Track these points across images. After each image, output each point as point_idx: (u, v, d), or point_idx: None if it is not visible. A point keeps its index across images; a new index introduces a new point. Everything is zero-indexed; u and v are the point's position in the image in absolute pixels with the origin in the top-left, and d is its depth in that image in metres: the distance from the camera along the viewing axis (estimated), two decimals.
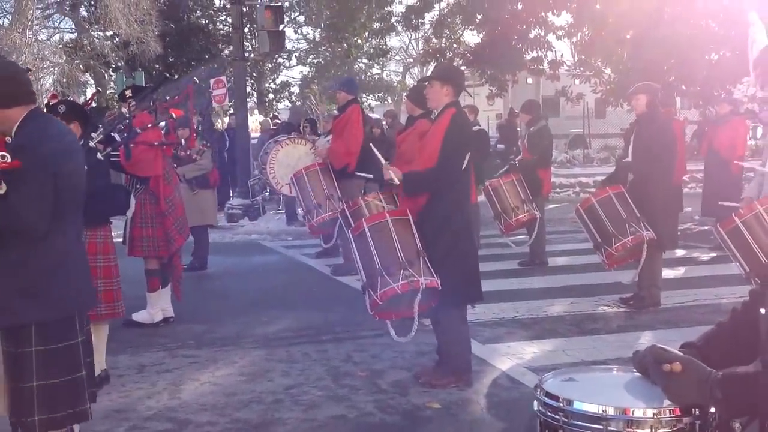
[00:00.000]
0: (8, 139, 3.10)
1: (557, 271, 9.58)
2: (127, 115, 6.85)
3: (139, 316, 7.18)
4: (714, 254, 10.13)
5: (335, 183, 8.75)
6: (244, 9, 17.27)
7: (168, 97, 7.48)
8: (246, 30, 26.47)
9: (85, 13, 30.76)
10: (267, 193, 15.30)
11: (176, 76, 29.35)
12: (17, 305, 3.20)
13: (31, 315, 3.21)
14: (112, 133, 6.49)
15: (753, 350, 2.16)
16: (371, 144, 7.36)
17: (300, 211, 12.76)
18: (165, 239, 7.14)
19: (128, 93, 7.16)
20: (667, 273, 8.21)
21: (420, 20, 20.44)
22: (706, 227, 12.12)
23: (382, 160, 5.64)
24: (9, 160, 2.96)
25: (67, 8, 31.14)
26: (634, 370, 2.26)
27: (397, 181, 5.34)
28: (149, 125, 6.96)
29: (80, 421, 3.41)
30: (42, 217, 3.14)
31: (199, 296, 8.60)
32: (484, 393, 5.36)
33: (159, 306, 7.26)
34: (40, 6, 29.34)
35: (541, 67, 19.00)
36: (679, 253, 10.28)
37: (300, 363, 6.02)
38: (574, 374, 2.37)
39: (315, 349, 6.37)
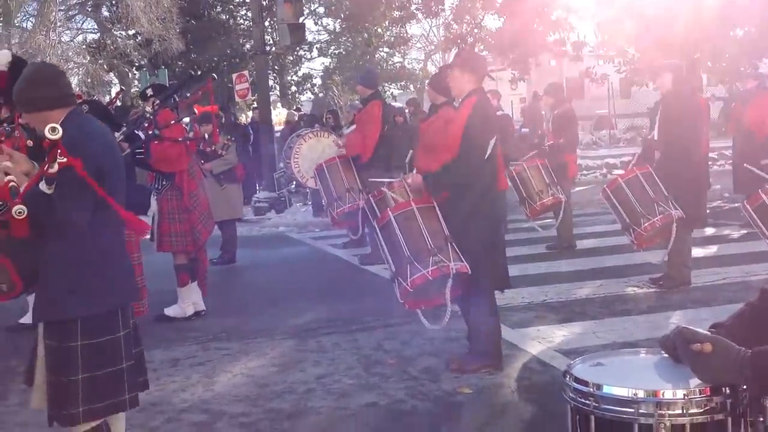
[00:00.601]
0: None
1: (585, 253, 9.54)
2: (150, 113, 6.92)
3: (171, 311, 7.27)
4: (744, 231, 10.02)
5: (356, 175, 8.78)
6: (264, 3, 17.30)
7: (189, 94, 7.54)
8: (266, 24, 26.53)
9: (107, 13, 30.95)
10: (293, 186, 15.35)
11: (199, 73, 29.63)
12: (63, 300, 3.28)
13: (77, 310, 3.29)
14: (136, 131, 6.56)
15: None
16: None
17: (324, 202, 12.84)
18: (192, 234, 7.23)
19: (149, 92, 7.23)
20: (697, 252, 8.13)
21: (440, 6, 20.36)
22: (736, 204, 11.99)
23: (405, 183, 5.69)
24: (65, 160, 3.02)
25: (89, 9, 31.40)
26: (662, 352, 2.25)
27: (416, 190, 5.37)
28: (172, 122, 7.03)
29: (119, 410, 3.48)
30: (84, 214, 3.22)
31: (230, 289, 8.69)
32: (515, 377, 5.36)
33: (190, 300, 7.35)
34: (62, 8, 29.60)
35: (564, 48, 18.88)
36: (709, 231, 10.18)
37: (330, 353, 6.06)
38: (602, 359, 2.37)
39: (345, 339, 6.41)
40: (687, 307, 6.80)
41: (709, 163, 9.76)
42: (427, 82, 7.90)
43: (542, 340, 6.08)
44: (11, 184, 3.16)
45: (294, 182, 14.41)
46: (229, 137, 10.33)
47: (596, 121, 27.95)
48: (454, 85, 5.43)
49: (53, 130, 3.01)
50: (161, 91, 7.32)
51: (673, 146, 7.10)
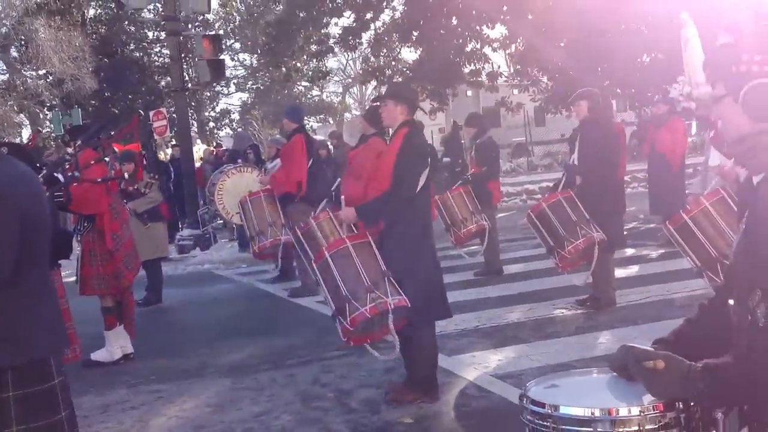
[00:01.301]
0: None
1: (513, 278, 9.70)
2: (71, 155, 6.75)
3: (98, 355, 7.05)
4: (662, 251, 10.39)
5: (279, 210, 8.75)
6: (180, 39, 17.18)
7: (113, 132, 7.39)
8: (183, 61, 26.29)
9: (15, 54, 30.21)
10: (218, 222, 15.18)
11: (116, 111, 29.11)
12: None
13: (5, 359, 3.15)
14: (55, 174, 6.38)
15: (722, 343, 2.24)
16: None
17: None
18: (115, 276, 7.05)
19: (67, 137, 7.05)
20: (619, 272, 8.37)
21: (358, 40, 20.57)
22: (652, 225, 12.41)
23: (330, 214, 5.68)
24: None
25: None
26: (612, 371, 2.31)
27: (353, 225, 5.38)
28: (92, 162, 6.86)
29: None
30: (5, 264, 3.08)
31: (158, 330, 8.50)
32: (454, 404, 5.39)
33: (118, 343, 7.14)
34: None
35: (480, 79, 19.31)
36: (629, 251, 10.51)
37: (267, 389, 5.99)
38: (555, 380, 2.40)
39: (281, 374, 6.34)
40: (614, 326, 6.98)
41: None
42: (360, 114, 7.96)
43: (478, 366, 6.15)
44: None
45: (219, 218, 14.27)
46: (152, 175, 10.17)
47: (513, 148, 28.61)
48: (387, 115, 5.47)
49: None
50: (79, 132, 7.16)
51: (593, 171, 7.32)
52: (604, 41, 14.98)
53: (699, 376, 1.99)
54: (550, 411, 2.11)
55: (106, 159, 7.51)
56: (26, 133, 30.81)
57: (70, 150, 6.79)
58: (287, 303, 9.43)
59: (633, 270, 9.58)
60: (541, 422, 2.13)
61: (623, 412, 2.06)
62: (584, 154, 7.37)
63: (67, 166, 6.43)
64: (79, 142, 6.73)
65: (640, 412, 2.04)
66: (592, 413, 2.05)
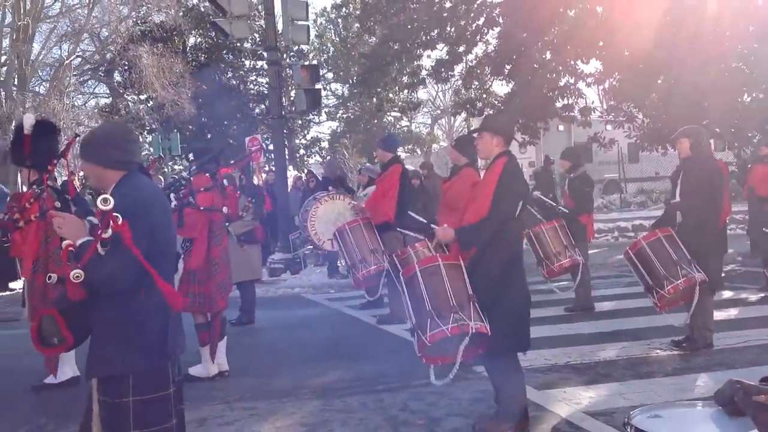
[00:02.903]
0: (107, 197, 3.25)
1: (604, 315, 9.57)
2: (185, 177, 7.02)
3: (195, 370, 7.28)
4: (762, 295, 10.08)
5: (378, 237, 8.86)
6: (284, 70, 17.67)
7: (232, 162, 7.64)
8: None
9: (119, 78, 31.60)
10: (308, 248, 15.45)
11: (209, 136, 30.05)
12: (115, 356, 3.33)
13: (129, 366, 3.33)
14: (170, 196, 6.66)
15: None
16: (410, 213, 7.47)
17: (342, 263, 12.90)
18: (209, 298, 7.27)
19: (191, 156, 7.34)
20: (717, 314, 8.14)
21: (450, 72, 20.75)
22: (752, 269, 12.05)
23: (428, 244, 5.72)
24: (120, 221, 3.11)
25: (101, 74, 32.05)
26: (716, 405, 2.31)
27: (445, 247, 5.42)
28: (202, 189, 7.13)
29: None
30: (126, 277, 3.27)
31: (250, 350, 8.71)
32: None
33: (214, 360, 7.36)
34: (75, 73, 30.22)
35: (573, 114, 19.18)
36: (726, 294, 10.22)
37: (358, 413, 6.06)
38: (659, 410, 2.41)
39: (371, 399, 6.41)
40: (712, 369, 6.80)
41: None
42: (451, 144, 8.02)
43: (569, 402, 6.08)
44: (70, 248, 3.27)
45: (310, 244, 14.52)
46: (249, 199, 10.46)
47: (605, 184, 28.20)
48: (483, 147, 5.54)
49: (105, 201, 3.12)
50: (201, 155, 7.45)
51: (695, 210, 7.20)
52: (704, 79, 14.70)
53: None
54: None
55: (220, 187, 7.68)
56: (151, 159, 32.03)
57: (184, 173, 7.07)
58: (375, 329, 9.53)
59: (731, 313, 9.31)
60: None
61: None
62: (687, 192, 7.26)
63: (183, 189, 6.69)
64: (194, 167, 7.00)
65: None
66: None
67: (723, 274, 10.02)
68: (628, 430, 2.25)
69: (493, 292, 5.23)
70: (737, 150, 17.70)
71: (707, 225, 7.23)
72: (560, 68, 18.47)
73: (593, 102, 19.92)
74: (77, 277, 3.16)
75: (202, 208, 7.14)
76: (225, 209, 7.60)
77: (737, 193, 16.47)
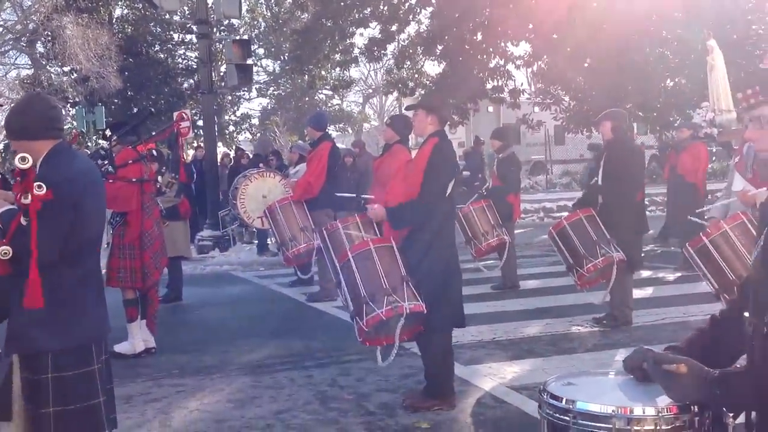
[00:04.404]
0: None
1: (529, 293, 9.82)
2: (105, 149, 6.92)
3: (121, 347, 7.20)
4: (679, 274, 10.48)
5: (308, 215, 8.87)
6: (215, 44, 17.41)
7: (153, 133, 7.57)
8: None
9: (42, 49, 30.60)
10: (238, 225, 15.35)
11: (135, 110, 29.41)
12: (33, 333, 3.28)
13: (46, 344, 3.29)
14: None
15: (730, 353, 2.38)
16: (337, 194, 7.54)
17: (271, 242, 12.88)
18: (141, 271, 7.21)
19: (108, 133, 7.24)
20: (636, 293, 8.43)
21: (382, 51, 20.78)
22: (670, 248, 12.49)
23: (357, 219, 5.80)
24: (44, 191, 3.04)
25: (23, 45, 30.97)
26: (625, 370, 2.44)
27: (377, 228, 5.49)
28: (130, 161, 7.04)
29: None
30: (52, 250, 3.22)
31: (178, 327, 8.66)
32: (470, 412, 5.49)
33: (140, 336, 7.30)
34: None
35: (502, 95, 19.45)
36: (645, 273, 10.58)
37: (287, 388, 6.12)
38: (572, 379, 2.53)
39: (300, 375, 6.47)
40: (630, 345, 7.03)
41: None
42: (386, 122, 8.08)
43: (494, 377, 6.25)
44: None
45: (239, 221, 14.44)
46: (173, 175, 10.33)
47: (532, 166, 28.73)
48: (418, 125, 5.62)
49: (23, 159, 3.06)
50: (119, 128, 7.34)
51: (616, 191, 7.43)
52: (628, 63, 15.10)
53: (716, 382, 2.11)
54: (569, 406, 2.24)
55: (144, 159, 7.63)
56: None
57: (104, 144, 6.96)
58: (305, 307, 9.58)
59: (649, 291, 9.65)
60: (559, 416, 2.26)
61: (638, 411, 2.17)
62: (608, 174, 7.48)
63: (105, 163, 6.59)
64: (114, 138, 6.91)
65: (656, 412, 2.16)
66: (611, 410, 2.17)
67: (642, 254, 10.40)
68: (543, 396, 2.36)
69: (428, 270, 5.32)
70: (659, 133, 18.24)
71: (627, 206, 7.47)
72: (491, 50, 18.69)
73: (522, 84, 20.23)
74: (5, 254, 3.11)
75: (134, 179, 7.07)
76: (160, 178, 7.57)
77: (657, 176, 16.99)
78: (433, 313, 5.25)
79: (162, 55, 32.81)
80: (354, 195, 6.77)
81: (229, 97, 35.65)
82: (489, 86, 19.32)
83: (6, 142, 15.03)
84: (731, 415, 2.17)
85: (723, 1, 15.33)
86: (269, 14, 36.50)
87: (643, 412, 2.17)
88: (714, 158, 21.49)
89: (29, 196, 3.06)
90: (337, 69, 25.12)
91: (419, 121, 5.58)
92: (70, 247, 3.28)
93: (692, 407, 2.16)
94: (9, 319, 3.43)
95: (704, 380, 2.13)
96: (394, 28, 19.97)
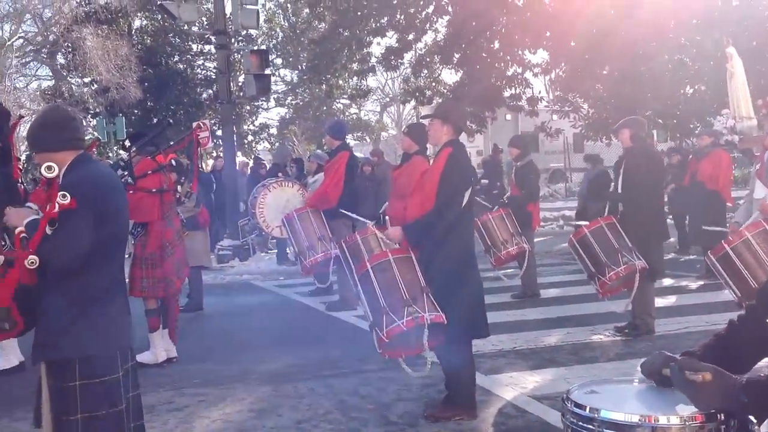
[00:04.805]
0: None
1: (550, 302, 9.77)
2: (124, 160, 6.97)
3: (143, 357, 7.22)
4: (701, 282, 10.40)
5: (326, 224, 8.88)
6: (233, 55, 17.52)
7: (171, 143, 7.62)
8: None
9: (62, 61, 30.90)
10: (255, 234, 15.41)
11: (155, 120, 29.60)
12: (60, 340, 3.33)
13: (74, 350, 3.34)
14: None
15: (749, 356, 2.35)
16: (349, 213, 7.57)
17: (290, 251, 12.91)
18: (164, 281, 7.26)
19: (127, 143, 7.30)
20: (658, 301, 8.38)
21: (399, 60, 20.83)
22: (691, 257, 12.40)
23: (375, 230, 5.77)
24: (68, 200, 3.09)
25: (44, 56, 31.30)
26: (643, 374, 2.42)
27: (398, 245, 5.49)
28: (149, 171, 7.09)
29: None
30: (77, 257, 3.27)
31: (199, 336, 8.69)
32: (491, 422, 5.46)
33: (162, 346, 7.34)
34: (17, 54, 29.49)
35: (520, 103, 19.42)
36: (667, 282, 10.51)
37: (307, 398, 6.11)
38: (595, 387, 2.52)
39: (320, 384, 6.47)
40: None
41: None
42: (403, 131, 8.09)
43: (515, 386, 6.22)
44: (22, 235, 3.26)
45: (259, 230, 14.49)
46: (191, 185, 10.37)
47: (551, 174, 28.63)
48: (433, 134, 5.62)
49: (49, 168, 3.11)
50: (138, 139, 7.39)
51: (636, 199, 7.39)
52: (646, 70, 15.03)
53: (743, 389, 2.09)
54: (593, 414, 2.22)
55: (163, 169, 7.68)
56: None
57: (124, 155, 7.01)
58: (324, 316, 9.58)
59: (672, 300, 9.58)
60: (583, 425, 2.24)
61: (663, 420, 2.15)
62: (628, 182, 7.44)
63: (125, 173, 6.64)
64: (134, 149, 6.95)
65: (682, 421, 2.14)
66: (637, 419, 2.16)
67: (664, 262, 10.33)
68: (567, 404, 2.34)
69: (449, 281, 5.30)
70: (679, 141, 18.12)
71: (648, 213, 7.43)
72: (508, 58, 18.68)
73: (540, 92, 20.19)
74: (32, 263, 3.15)
75: (154, 190, 7.12)
76: (180, 188, 7.61)
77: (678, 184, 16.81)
78: (453, 323, 5.23)
79: (181, 66, 33.03)
80: (353, 215, 6.80)
81: (248, 107, 35.80)
82: (507, 94, 19.32)
83: (28, 152, 15.15)
84: (756, 422, 2.15)
85: (742, 8, 15.25)
86: (287, 24, 36.68)
87: (669, 421, 2.16)
88: (735, 165, 21.31)
89: (56, 206, 3.11)
90: (355, 78, 25.23)
91: (435, 131, 5.58)
92: (94, 255, 3.32)
93: (718, 415, 2.15)
94: (36, 328, 3.48)
95: (732, 388, 2.12)
96: (410, 37, 20.04)
